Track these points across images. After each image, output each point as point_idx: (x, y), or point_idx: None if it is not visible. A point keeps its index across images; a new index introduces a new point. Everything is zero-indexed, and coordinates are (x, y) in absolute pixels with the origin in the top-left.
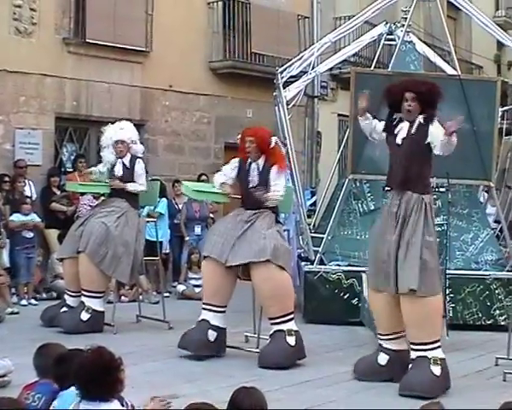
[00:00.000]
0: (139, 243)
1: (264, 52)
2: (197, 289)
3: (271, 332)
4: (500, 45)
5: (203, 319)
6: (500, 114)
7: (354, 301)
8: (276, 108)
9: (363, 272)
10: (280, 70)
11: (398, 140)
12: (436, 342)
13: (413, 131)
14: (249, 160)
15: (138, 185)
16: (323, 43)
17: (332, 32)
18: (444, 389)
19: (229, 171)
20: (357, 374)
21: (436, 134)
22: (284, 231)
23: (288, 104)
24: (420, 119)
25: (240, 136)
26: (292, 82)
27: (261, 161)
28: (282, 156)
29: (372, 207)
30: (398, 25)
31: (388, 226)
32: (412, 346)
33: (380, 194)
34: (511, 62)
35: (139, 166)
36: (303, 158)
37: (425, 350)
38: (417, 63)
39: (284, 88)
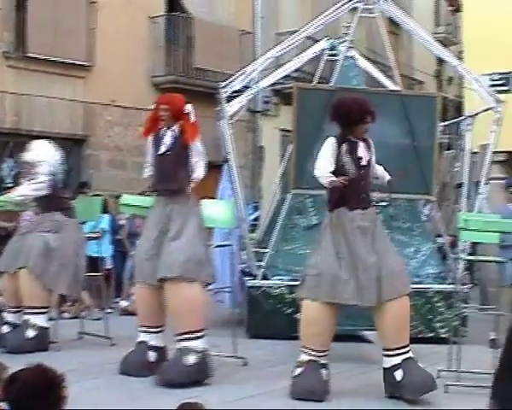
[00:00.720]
0: (80, 254)
1: (207, 67)
2: None
3: (177, 348)
4: (440, 61)
5: (141, 341)
6: (440, 128)
7: (297, 316)
8: (219, 123)
9: None
10: (222, 85)
11: (364, 161)
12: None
13: (369, 151)
14: (163, 128)
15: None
16: (266, 59)
17: (274, 47)
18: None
19: (148, 157)
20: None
21: (373, 153)
22: (227, 245)
23: (230, 119)
24: (365, 137)
25: (154, 105)
26: (234, 97)
27: (176, 128)
28: (196, 125)
29: (315, 222)
30: (341, 40)
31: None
32: None
33: (322, 208)
34: (451, 78)
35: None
36: (246, 173)
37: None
38: (359, 78)
39: (227, 103)
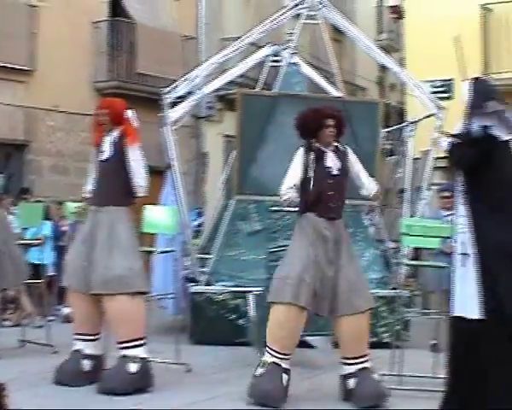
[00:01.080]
0: (11, 244)
1: (150, 72)
2: None
3: (118, 356)
4: (383, 68)
5: (76, 350)
6: (383, 134)
7: (241, 322)
8: (162, 128)
9: (250, 292)
10: (166, 91)
11: (335, 171)
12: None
13: (341, 158)
14: (104, 134)
15: None
16: (210, 64)
17: (218, 52)
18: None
19: (92, 165)
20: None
21: (354, 160)
22: (170, 252)
23: (173, 125)
24: (337, 145)
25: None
26: (178, 103)
27: (116, 133)
28: (136, 129)
29: (258, 228)
30: (284, 46)
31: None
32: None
33: (266, 214)
34: (394, 84)
35: None
36: (189, 179)
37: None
38: (302, 85)
39: (170, 109)
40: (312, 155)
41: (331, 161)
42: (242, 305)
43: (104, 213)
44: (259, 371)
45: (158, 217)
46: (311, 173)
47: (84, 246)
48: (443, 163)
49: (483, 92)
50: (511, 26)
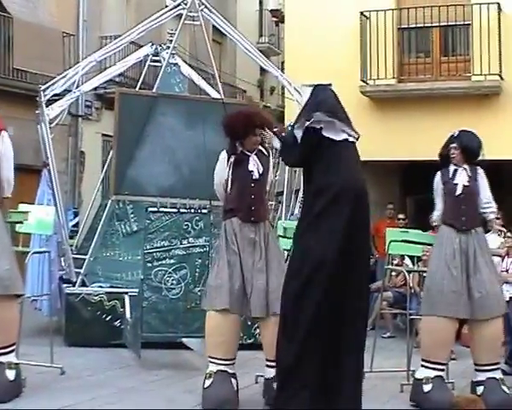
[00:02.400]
0: None
1: (27, 68)
2: None
3: None
4: (263, 71)
5: None
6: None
7: (116, 323)
8: (39, 126)
9: (126, 293)
10: (43, 88)
11: (256, 174)
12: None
13: (264, 162)
14: None
15: None
16: (88, 62)
17: (97, 51)
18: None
19: None
20: None
21: (271, 169)
22: (45, 252)
23: (50, 123)
24: (260, 149)
25: None
26: (55, 100)
27: None
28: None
29: (135, 229)
30: (164, 46)
31: None
32: None
33: (143, 215)
34: (273, 87)
35: None
36: (66, 178)
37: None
38: (182, 85)
39: (47, 106)
40: (235, 159)
41: (253, 165)
42: (118, 306)
43: None
44: (207, 382)
45: (33, 217)
46: (232, 177)
47: None
48: None
49: (317, 101)
50: (388, 35)
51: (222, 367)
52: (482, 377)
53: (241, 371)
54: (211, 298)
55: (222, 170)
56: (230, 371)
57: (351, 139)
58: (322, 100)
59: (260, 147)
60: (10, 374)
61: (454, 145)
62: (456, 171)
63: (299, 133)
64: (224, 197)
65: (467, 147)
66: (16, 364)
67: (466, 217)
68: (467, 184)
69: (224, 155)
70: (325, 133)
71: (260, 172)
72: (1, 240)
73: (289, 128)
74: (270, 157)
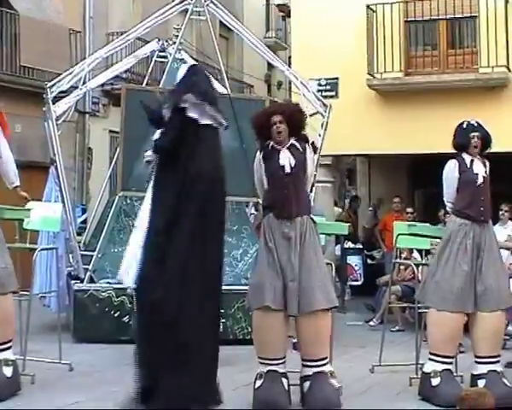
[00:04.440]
0: None
1: (34, 66)
2: None
3: None
4: (270, 66)
5: None
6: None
7: (125, 319)
8: (46, 123)
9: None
10: (50, 85)
11: (288, 168)
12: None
13: (297, 155)
14: None
15: None
16: (95, 59)
17: (104, 47)
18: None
19: None
20: None
21: (310, 161)
22: (53, 249)
23: (57, 120)
24: (292, 141)
25: None
26: (62, 97)
27: None
28: (5, 121)
29: None
30: (170, 42)
31: None
32: None
33: None
34: (280, 82)
35: None
36: (73, 175)
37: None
38: None
39: (54, 103)
40: (266, 154)
41: (284, 159)
42: (126, 302)
43: None
44: (258, 383)
45: (41, 214)
46: (266, 173)
47: None
48: (327, 160)
49: (189, 83)
50: (395, 28)
51: (272, 367)
52: (483, 369)
53: (247, 367)
54: (252, 297)
55: (256, 167)
56: (280, 370)
57: (215, 125)
58: (195, 82)
59: (294, 141)
60: (7, 371)
61: (477, 134)
62: (472, 161)
63: (167, 113)
64: (262, 195)
65: (486, 138)
66: (13, 361)
67: (484, 208)
68: (485, 174)
69: (257, 153)
70: (190, 114)
71: (293, 165)
72: None
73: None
74: (308, 150)
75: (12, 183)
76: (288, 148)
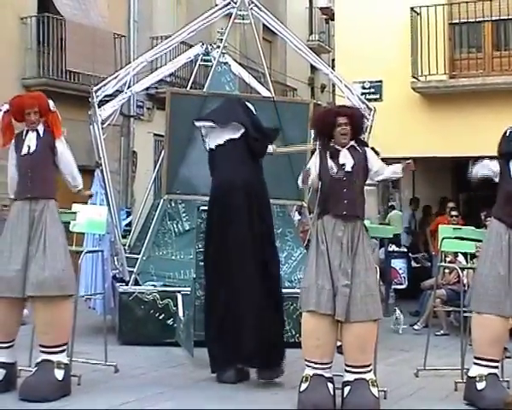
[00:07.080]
0: None
1: (80, 70)
2: None
3: (39, 361)
4: (313, 69)
5: None
6: (313, 135)
7: (169, 322)
8: (91, 127)
9: (179, 292)
10: (95, 89)
11: (348, 167)
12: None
13: (357, 157)
14: (24, 130)
15: None
16: (139, 63)
17: (148, 51)
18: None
19: (12, 168)
20: None
21: (373, 160)
22: (98, 251)
23: (103, 123)
24: (353, 144)
25: (9, 108)
26: (107, 101)
27: (41, 127)
28: (60, 121)
29: (187, 228)
30: (214, 46)
31: None
32: None
33: (195, 214)
34: (324, 85)
35: None
36: (118, 178)
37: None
38: (232, 84)
39: (99, 107)
40: (326, 153)
41: (344, 158)
42: (171, 305)
43: (36, 206)
44: (303, 386)
45: (86, 216)
46: (325, 169)
47: (19, 249)
48: None
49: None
50: (439, 31)
51: (318, 371)
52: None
53: (291, 371)
54: (302, 299)
55: (313, 166)
56: (326, 374)
57: (235, 136)
58: (212, 110)
59: (354, 143)
60: (59, 374)
61: None
62: None
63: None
64: (317, 196)
65: None
66: (66, 364)
67: None
68: None
69: (316, 152)
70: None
71: (351, 165)
72: (56, 240)
73: None
74: (368, 152)
75: (75, 186)
76: (348, 149)
